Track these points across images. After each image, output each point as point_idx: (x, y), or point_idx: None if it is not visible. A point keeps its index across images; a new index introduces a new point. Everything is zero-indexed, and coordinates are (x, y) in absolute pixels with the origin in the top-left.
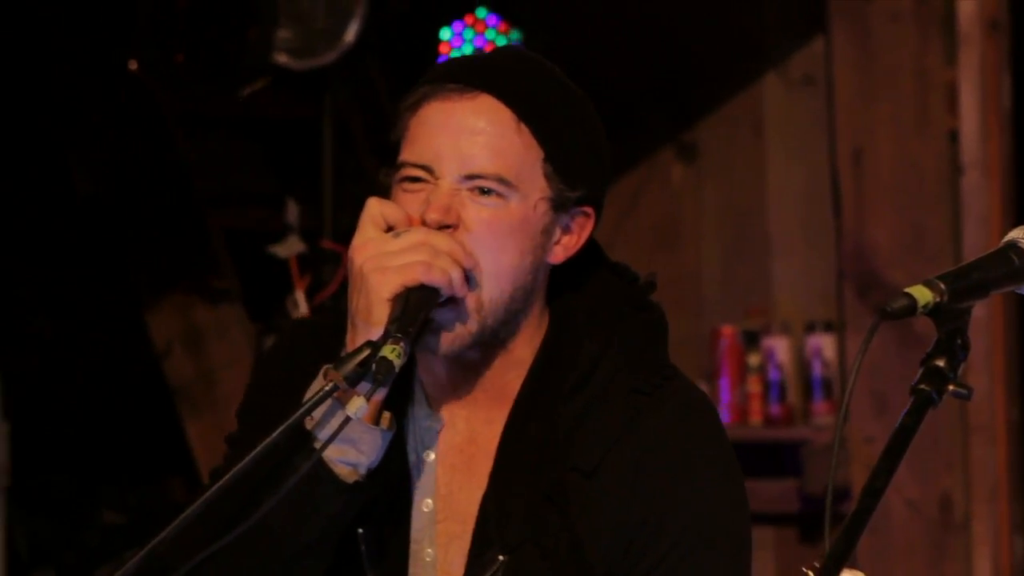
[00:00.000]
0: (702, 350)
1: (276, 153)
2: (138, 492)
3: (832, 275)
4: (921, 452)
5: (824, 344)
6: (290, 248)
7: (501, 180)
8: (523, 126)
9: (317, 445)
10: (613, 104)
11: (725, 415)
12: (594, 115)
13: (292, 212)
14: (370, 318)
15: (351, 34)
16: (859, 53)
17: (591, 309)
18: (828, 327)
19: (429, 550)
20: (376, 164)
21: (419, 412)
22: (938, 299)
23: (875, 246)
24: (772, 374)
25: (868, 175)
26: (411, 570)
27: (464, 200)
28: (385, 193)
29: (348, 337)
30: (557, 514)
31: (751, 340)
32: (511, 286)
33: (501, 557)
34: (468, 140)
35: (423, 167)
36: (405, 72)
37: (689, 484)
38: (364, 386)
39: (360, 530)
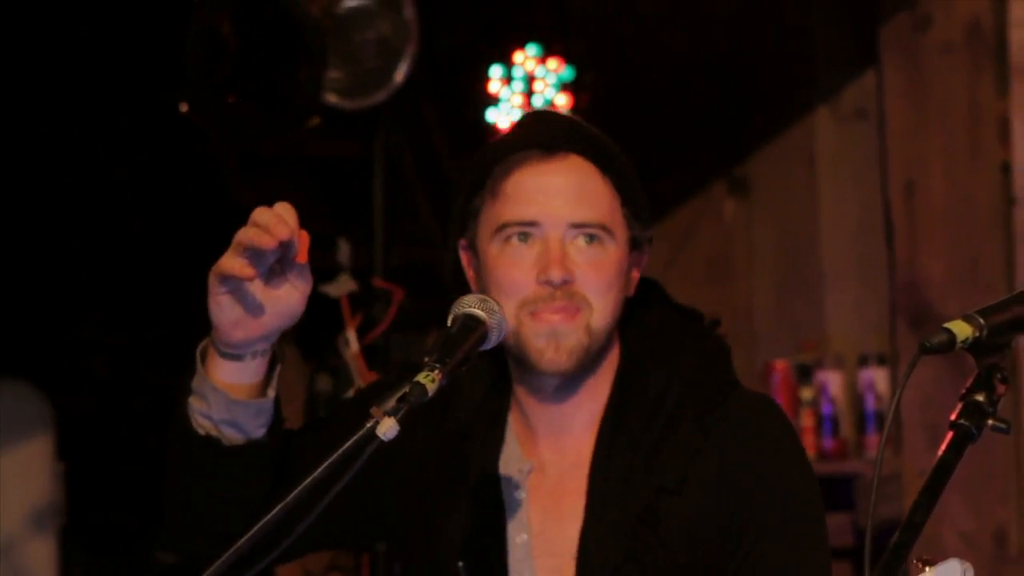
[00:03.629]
0: (754, 384)
1: (327, 192)
2: None
3: (885, 308)
4: (975, 485)
5: (877, 377)
6: (341, 287)
7: (603, 227)
8: (606, 178)
9: None
10: (665, 139)
11: None
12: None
13: (343, 251)
14: None
15: (401, 74)
16: (911, 86)
17: (655, 343)
18: (881, 360)
19: None
20: (427, 202)
21: (511, 455)
22: (977, 334)
23: (928, 279)
24: (825, 408)
25: (920, 208)
26: None
27: (571, 252)
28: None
29: None
30: (651, 533)
31: (804, 374)
32: (612, 318)
33: None
34: (571, 194)
35: (531, 223)
36: (456, 110)
37: (767, 478)
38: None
39: (460, 563)
